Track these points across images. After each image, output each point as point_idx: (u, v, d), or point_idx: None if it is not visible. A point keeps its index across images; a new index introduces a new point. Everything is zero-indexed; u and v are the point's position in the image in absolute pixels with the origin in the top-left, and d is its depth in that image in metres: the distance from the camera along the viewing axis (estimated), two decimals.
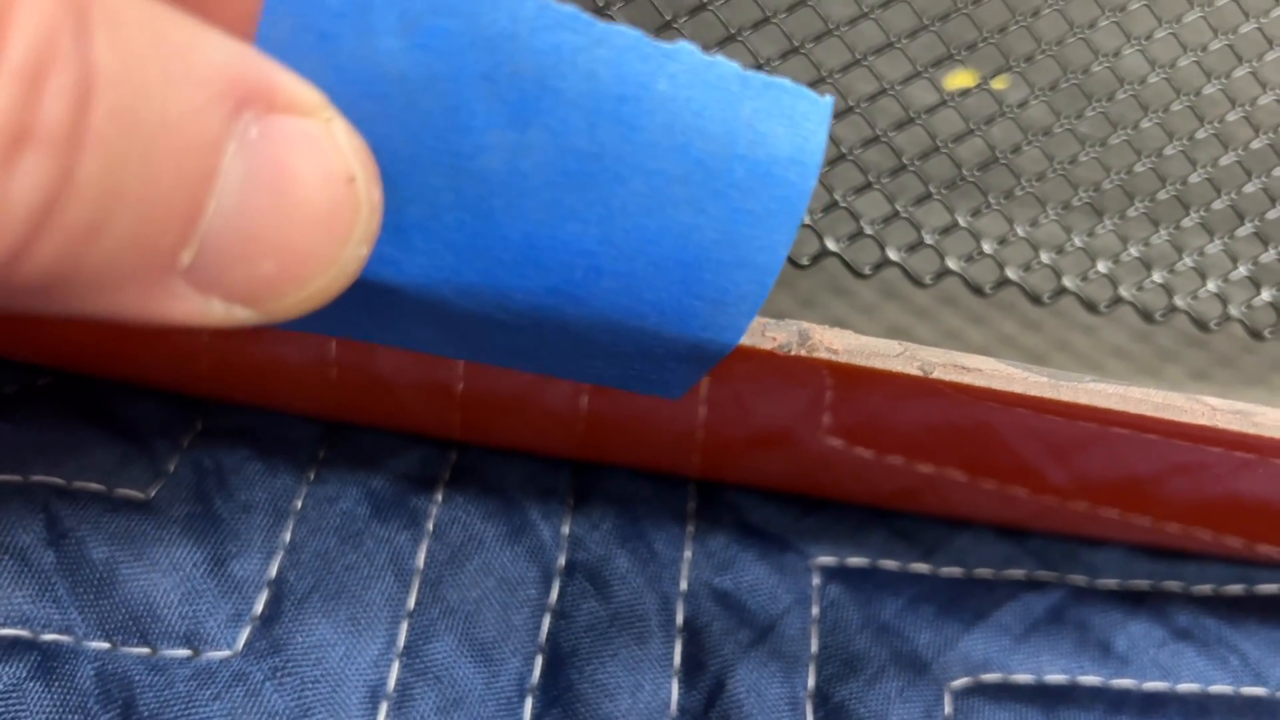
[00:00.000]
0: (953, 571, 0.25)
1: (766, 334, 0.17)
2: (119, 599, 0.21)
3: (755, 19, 0.24)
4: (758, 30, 0.24)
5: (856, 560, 0.25)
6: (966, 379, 0.17)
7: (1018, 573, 0.25)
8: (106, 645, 0.20)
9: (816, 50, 0.24)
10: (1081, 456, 0.23)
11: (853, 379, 0.19)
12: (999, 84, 0.26)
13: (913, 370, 0.17)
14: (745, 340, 0.17)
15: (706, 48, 0.23)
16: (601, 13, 0.23)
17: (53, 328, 0.23)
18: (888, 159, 0.25)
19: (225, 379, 0.23)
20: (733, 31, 0.23)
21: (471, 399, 0.24)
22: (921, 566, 0.25)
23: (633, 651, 0.22)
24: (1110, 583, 0.25)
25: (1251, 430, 0.18)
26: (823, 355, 0.17)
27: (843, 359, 0.17)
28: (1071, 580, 0.25)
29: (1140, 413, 0.17)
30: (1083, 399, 0.17)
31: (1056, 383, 0.17)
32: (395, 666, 0.21)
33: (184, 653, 0.21)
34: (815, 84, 0.24)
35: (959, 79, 0.26)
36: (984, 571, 0.25)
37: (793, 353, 0.17)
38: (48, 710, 0.20)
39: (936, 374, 0.17)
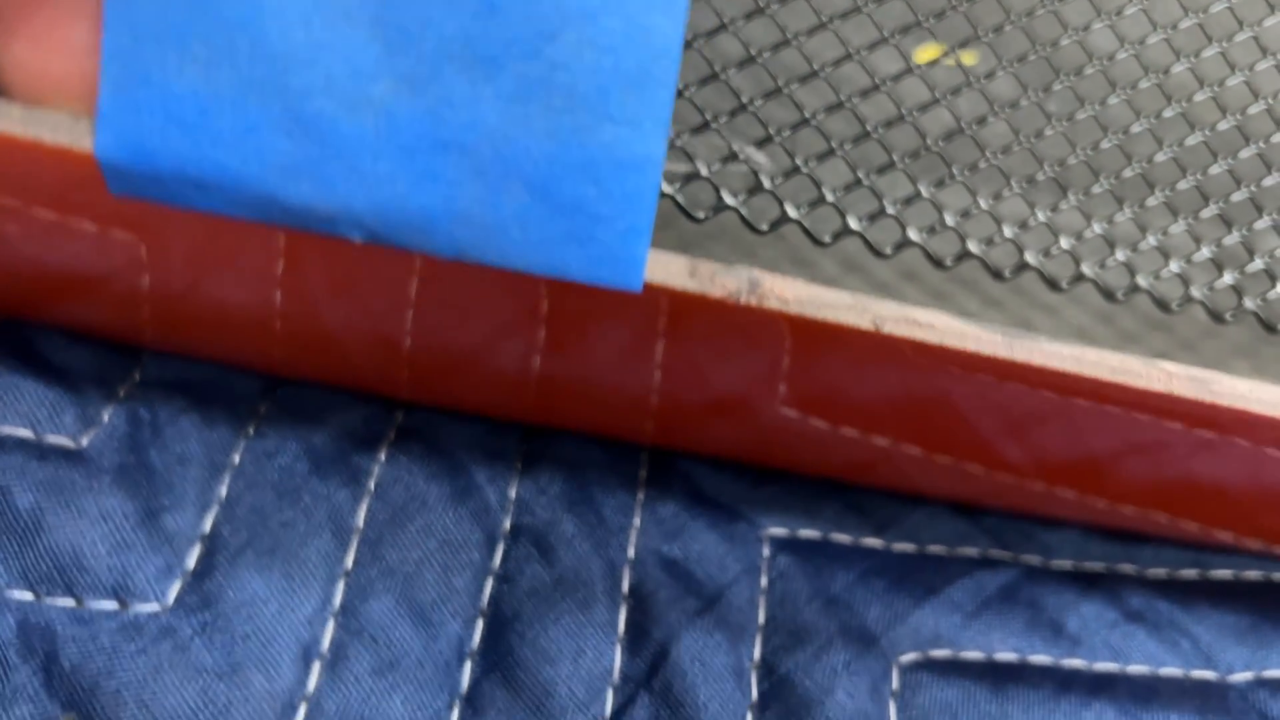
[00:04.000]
0: (905, 547, 0.25)
1: (716, 280, 0.16)
2: (44, 549, 0.20)
3: None
4: None
5: (808, 532, 0.24)
6: (919, 335, 0.17)
7: (971, 550, 0.25)
8: (30, 596, 0.20)
9: (782, 12, 0.24)
10: (1039, 432, 0.23)
11: (809, 335, 0.18)
12: (968, 60, 0.26)
13: (864, 324, 0.17)
14: (694, 286, 0.17)
15: None
16: None
17: None
18: (851, 126, 0.24)
19: (166, 328, 0.23)
20: None
21: (419, 356, 0.23)
22: (874, 541, 0.24)
23: (576, 617, 0.22)
24: (1064, 563, 0.25)
25: (1207, 398, 0.17)
26: (773, 305, 0.16)
27: (794, 309, 0.17)
28: (1025, 560, 0.25)
29: (1096, 376, 0.17)
30: (1037, 360, 0.17)
31: (1010, 341, 0.17)
32: (330, 625, 0.21)
33: (111, 605, 0.20)
34: (779, 47, 0.24)
35: (929, 53, 0.26)
36: (937, 548, 0.25)
37: (742, 300, 0.17)
38: None
39: (888, 328, 0.17)
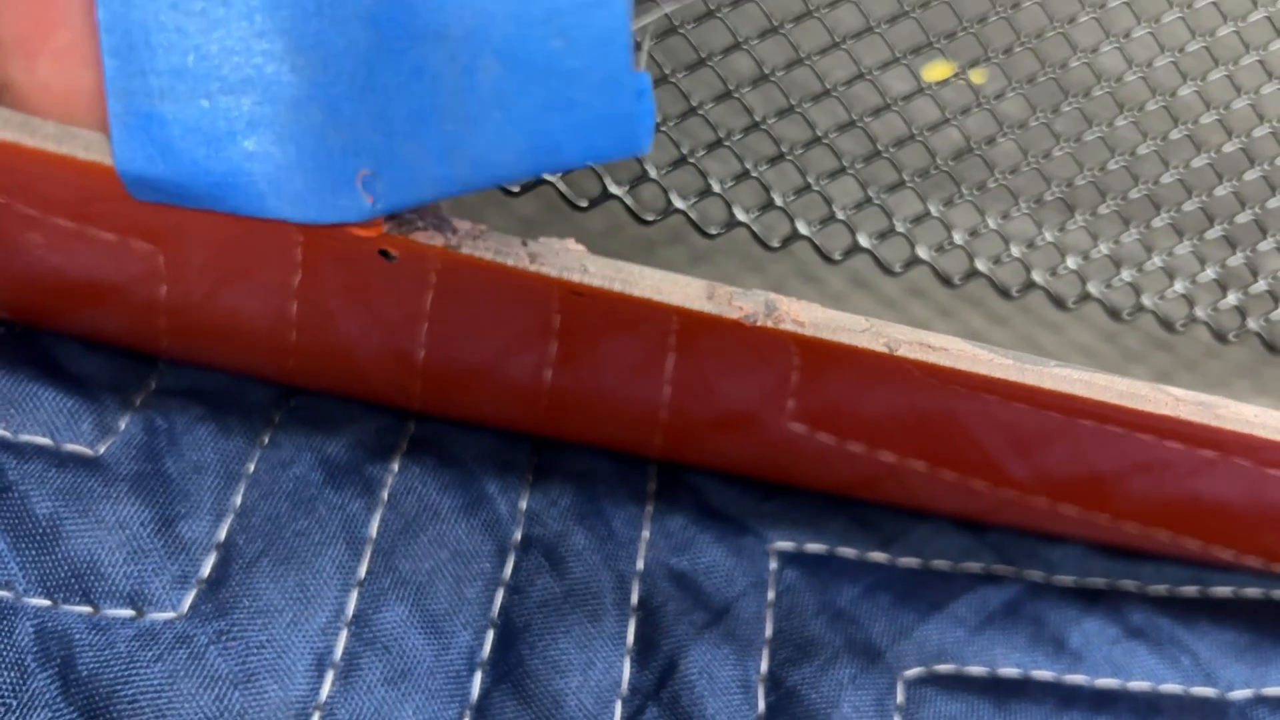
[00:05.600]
0: (910, 562, 0.25)
1: (734, 303, 0.17)
2: (62, 556, 0.20)
3: None
4: (736, 8, 0.23)
5: (814, 546, 0.24)
6: (932, 358, 0.17)
7: (975, 566, 0.25)
8: (47, 602, 0.20)
9: (795, 31, 0.24)
10: (1043, 450, 0.23)
11: (819, 355, 0.18)
12: (977, 78, 0.26)
13: (878, 347, 0.17)
14: (711, 309, 0.17)
15: (682, 22, 0.23)
16: None
17: (5, 277, 0.22)
18: (862, 145, 0.25)
19: (182, 337, 0.23)
20: (711, 8, 0.23)
21: (433, 368, 0.23)
22: (879, 555, 0.25)
23: (585, 629, 0.22)
24: (1066, 580, 0.25)
25: (1213, 423, 0.18)
26: (789, 327, 0.17)
27: (809, 332, 0.17)
28: (1028, 575, 0.25)
29: (1104, 400, 0.17)
30: (1047, 384, 0.17)
31: (1022, 366, 0.17)
32: (343, 635, 0.21)
33: (127, 613, 0.20)
34: (792, 66, 0.24)
35: (937, 71, 0.26)
36: (941, 563, 0.25)
37: (759, 323, 0.17)
38: None
39: (902, 351, 0.17)
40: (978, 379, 0.18)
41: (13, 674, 0.19)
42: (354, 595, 0.21)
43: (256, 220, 0.18)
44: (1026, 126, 0.25)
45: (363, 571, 0.22)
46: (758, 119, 0.24)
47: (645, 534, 0.24)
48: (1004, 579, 0.25)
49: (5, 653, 0.19)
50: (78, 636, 0.20)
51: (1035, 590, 0.25)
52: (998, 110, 0.25)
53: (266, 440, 0.23)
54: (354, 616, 0.21)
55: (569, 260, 0.17)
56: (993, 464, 0.24)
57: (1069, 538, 0.26)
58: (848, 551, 0.25)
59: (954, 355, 0.17)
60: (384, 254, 0.17)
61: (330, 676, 0.21)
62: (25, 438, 0.21)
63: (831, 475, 0.25)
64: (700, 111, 0.24)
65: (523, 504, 0.23)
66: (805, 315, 0.17)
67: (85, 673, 0.19)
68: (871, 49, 0.24)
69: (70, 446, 0.21)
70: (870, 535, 0.25)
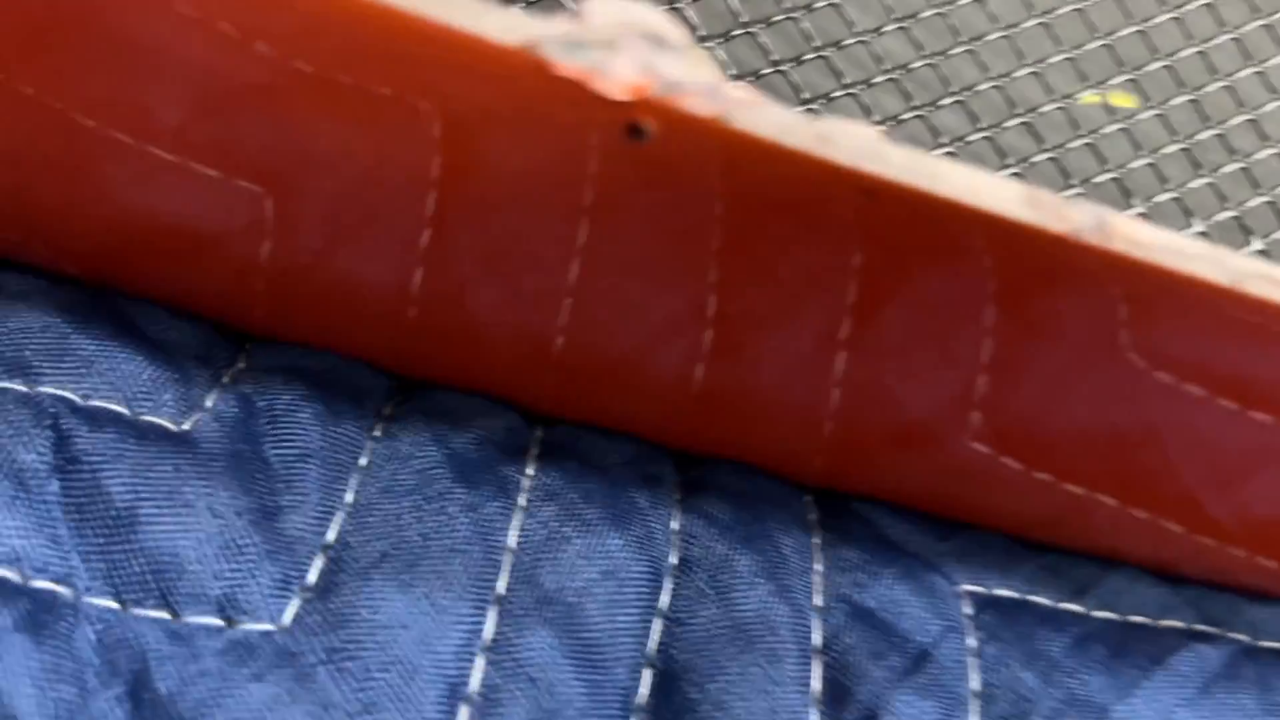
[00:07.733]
0: (1107, 615, 0.21)
1: (1062, 214, 0.13)
2: (136, 547, 0.16)
3: None
4: None
5: (1005, 592, 0.21)
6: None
7: (1177, 622, 0.21)
8: (114, 604, 0.16)
9: None
10: (1248, 485, 0.20)
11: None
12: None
13: (1219, 278, 0.14)
14: (1033, 217, 0.14)
15: None
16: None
17: (84, 228, 0.19)
18: None
19: (281, 307, 0.19)
20: None
21: (571, 357, 0.20)
22: (1074, 606, 0.21)
23: (764, 671, 0.18)
24: (1274, 644, 0.22)
25: None
26: (1119, 246, 0.14)
27: (1141, 254, 0.14)
28: (1234, 636, 0.22)
29: None
30: None
31: None
32: (481, 662, 0.17)
33: (215, 621, 0.16)
34: None
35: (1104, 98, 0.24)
36: (1140, 618, 0.21)
37: (1085, 240, 0.14)
38: (32, 675, 0.15)
39: (1248, 286, 0.14)
40: None
41: (71, 690, 0.15)
42: (492, 614, 0.17)
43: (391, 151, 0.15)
44: None
45: (502, 586, 0.17)
46: None
47: (818, 566, 0.20)
48: (1214, 638, 0.21)
49: (61, 662, 0.15)
50: (153, 647, 0.15)
51: (1248, 652, 0.21)
52: None
53: (379, 432, 0.19)
54: (493, 640, 0.17)
55: (864, 145, 0.13)
56: (1191, 500, 0.21)
57: (1272, 595, 0.22)
58: (1041, 600, 0.21)
59: None
60: (634, 130, 0.14)
61: (465, 713, 0.16)
62: (98, 403, 0.17)
63: (1012, 511, 0.22)
64: None
65: (675, 523, 0.20)
66: (1140, 234, 0.14)
67: (164, 691, 0.15)
68: None
69: (151, 418, 0.17)
70: (1061, 583, 0.21)
